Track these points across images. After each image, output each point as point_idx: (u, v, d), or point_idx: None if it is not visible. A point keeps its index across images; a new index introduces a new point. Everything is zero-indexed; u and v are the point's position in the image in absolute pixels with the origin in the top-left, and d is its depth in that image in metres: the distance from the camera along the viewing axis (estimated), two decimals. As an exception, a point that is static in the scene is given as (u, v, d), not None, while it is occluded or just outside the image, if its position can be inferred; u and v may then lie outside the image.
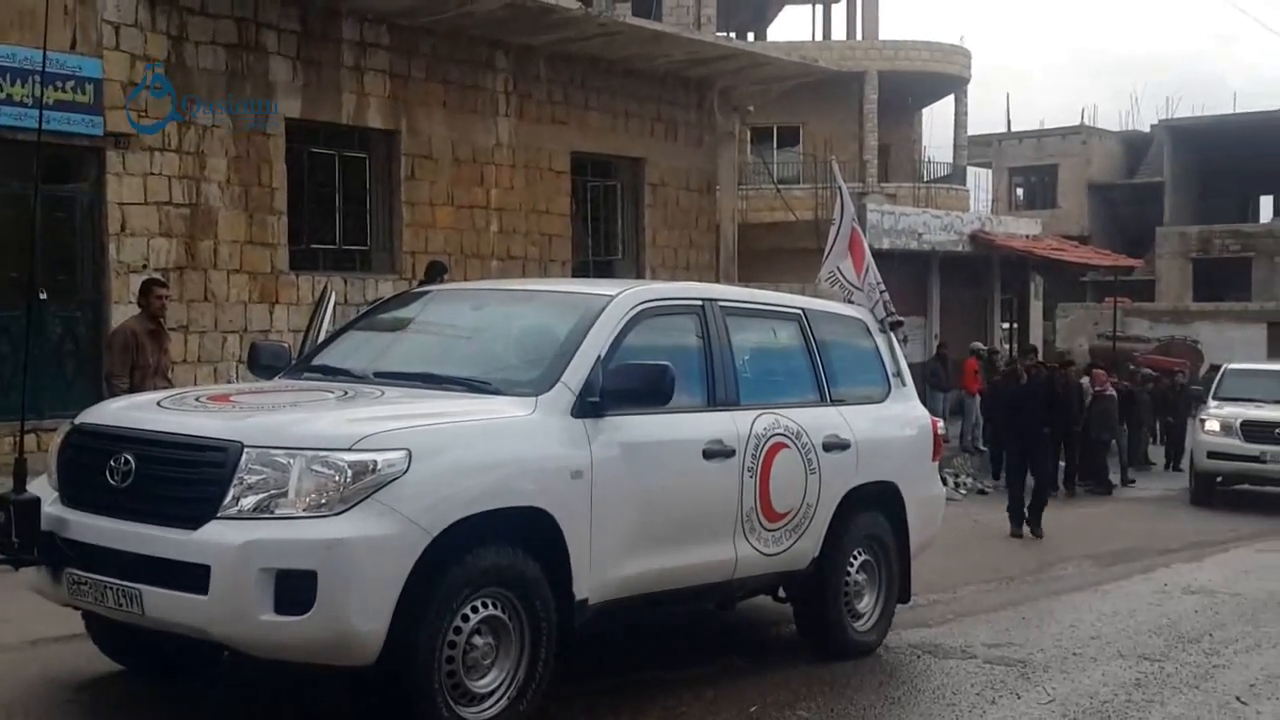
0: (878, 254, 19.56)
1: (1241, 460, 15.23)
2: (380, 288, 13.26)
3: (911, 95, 32.25)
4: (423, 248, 14.20)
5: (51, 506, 4.79)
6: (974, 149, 39.03)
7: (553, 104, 15.85)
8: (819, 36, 35.86)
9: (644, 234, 17.48)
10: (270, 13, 12.85)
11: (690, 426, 5.60)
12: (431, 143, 14.41)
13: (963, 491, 15.51)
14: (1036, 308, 25.44)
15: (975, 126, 37.11)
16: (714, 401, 5.81)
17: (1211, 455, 15.49)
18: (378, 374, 5.57)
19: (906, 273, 21.66)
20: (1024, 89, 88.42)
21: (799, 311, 6.64)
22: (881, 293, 7.31)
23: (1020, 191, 44.70)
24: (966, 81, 32.44)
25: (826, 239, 7.92)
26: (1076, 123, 43.84)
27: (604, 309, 5.51)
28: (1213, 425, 15.64)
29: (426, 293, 6.98)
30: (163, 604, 4.42)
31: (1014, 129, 45.24)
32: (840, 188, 7.97)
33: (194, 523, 4.41)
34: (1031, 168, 44.06)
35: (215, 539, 4.35)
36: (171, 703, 5.31)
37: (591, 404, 5.14)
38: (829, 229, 7.88)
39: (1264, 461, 15.12)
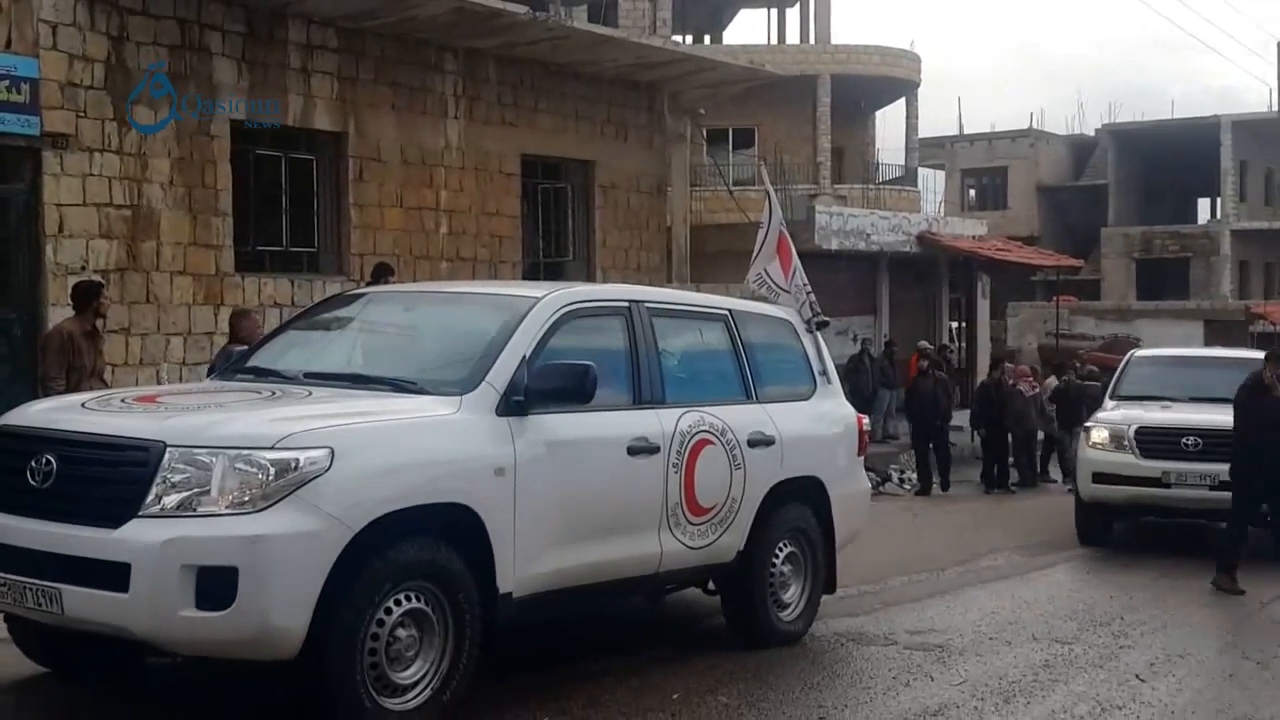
0: (826, 254, 20.01)
1: (1137, 484, 10.57)
2: (328, 289, 13.22)
3: (864, 98, 32.56)
4: (371, 250, 14.21)
5: (-30, 508, 4.82)
6: (927, 151, 39.52)
7: (502, 106, 15.90)
8: (773, 40, 36.15)
9: (594, 235, 17.57)
10: (214, 14, 12.81)
11: (615, 424, 5.73)
12: (380, 145, 14.42)
13: (906, 487, 15.72)
14: (984, 307, 25.77)
15: (929, 129, 37.60)
16: (640, 400, 5.94)
17: (1098, 478, 10.89)
18: (307, 375, 5.65)
19: (856, 273, 21.94)
20: (975, 93, 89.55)
21: (726, 313, 6.79)
22: (808, 294, 7.46)
23: (972, 193, 45.27)
24: (917, 85, 32.81)
25: (769, 234, 7.99)
26: (1025, 126, 44.48)
27: (530, 310, 5.62)
28: (1099, 435, 11.03)
29: (362, 295, 7.05)
30: (83, 603, 4.47)
31: (966, 132, 45.81)
32: (768, 192, 8.12)
33: (115, 521, 4.47)
34: (983, 169, 44.68)
35: (136, 537, 4.41)
36: (97, 704, 5.34)
37: (516, 403, 5.25)
38: (757, 231, 7.99)
39: (1168, 485, 10.51)
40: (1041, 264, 27.57)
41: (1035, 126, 44.68)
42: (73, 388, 8.14)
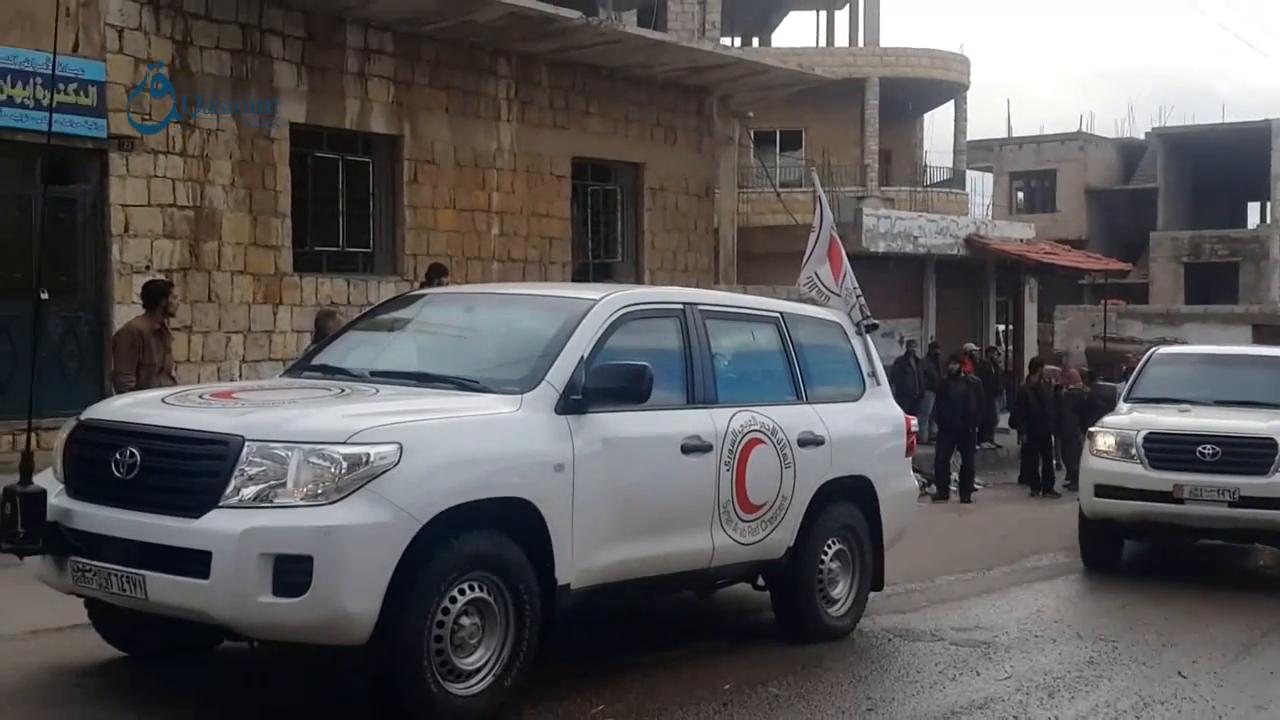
0: (874, 257, 20.07)
1: (1144, 499, 9.26)
2: (383, 289, 13.54)
3: (912, 101, 32.55)
4: (425, 250, 14.48)
5: (57, 498, 5.04)
6: (976, 154, 39.38)
7: (554, 110, 16.14)
8: (822, 42, 36.18)
9: (643, 237, 17.77)
10: (275, 19, 13.14)
11: (669, 423, 5.88)
12: (434, 147, 14.70)
13: (952, 488, 15.73)
14: (1031, 310, 25.70)
15: (978, 132, 37.50)
16: (693, 400, 6.09)
17: (1102, 491, 9.55)
18: (374, 373, 5.85)
19: (903, 275, 21.95)
20: (1025, 96, 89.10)
21: (777, 315, 6.93)
22: (858, 297, 7.59)
23: (1021, 196, 45.05)
24: (966, 88, 32.75)
25: (820, 239, 8.09)
26: (1075, 129, 44.23)
27: (588, 312, 5.79)
28: (1105, 442, 9.69)
29: (423, 295, 7.25)
30: (165, 589, 4.67)
31: (1014, 135, 45.60)
32: (819, 197, 8.24)
33: (196, 512, 4.67)
34: (1031, 172, 44.47)
35: (217, 526, 4.61)
36: (173, 687, 5.55)
37: (574, 401, 5.42)
38: (809, 235, 8.11)
39: (1181, 500, 9.13)
40: (1089, 268, 27.48)
41: (1084, 129, 44.44)
42: (142, 384, 8.40)
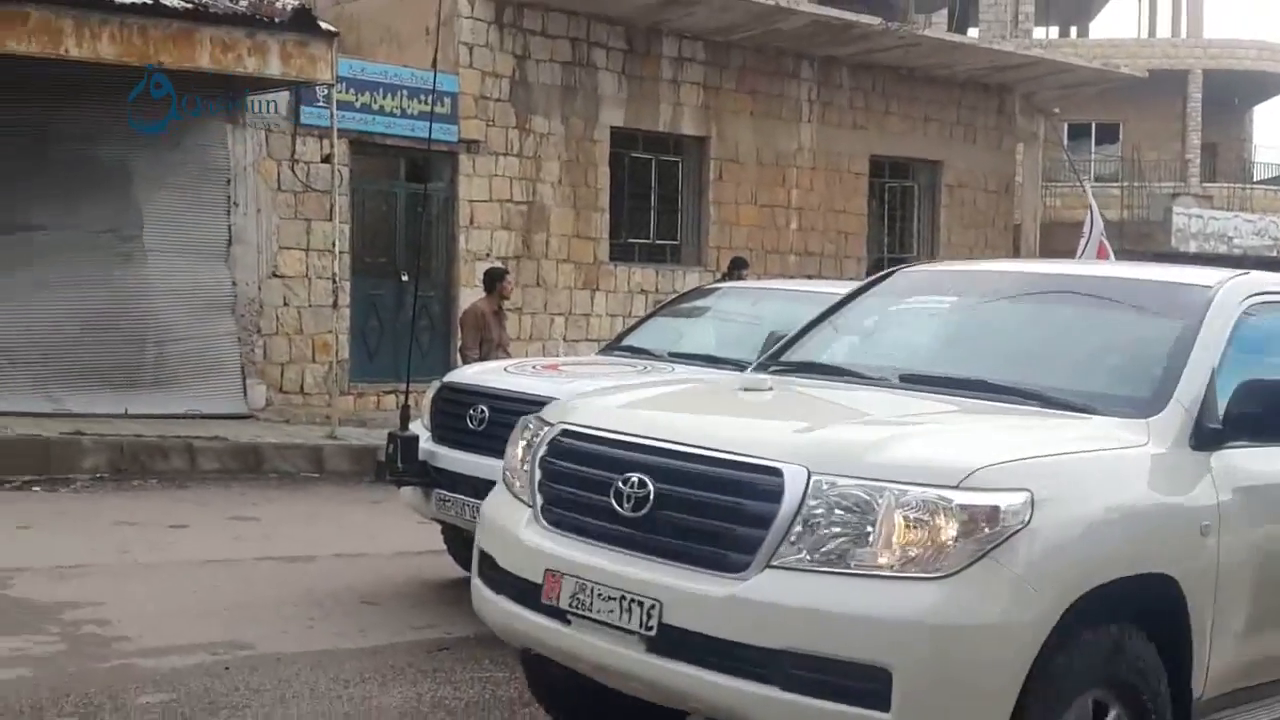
0: (1183, 257, 19.55)
1: (522, 603, 3.73)
2: (688, 279, 14.70)
3: (1239, 94, 31.00)
4: (727, 243, 15.55)
5: (425, 443, 6.28)
6: (1316, 146, 36.77)
7: (853, 110, 16.85)
8: (1143, 33, 34.89)
9: (939, 233, 18.17)
10: (600, 33, 14.53)
11: None
12: (738, 148, 15.75)
13: None
14: (1364, 317, 24.13)
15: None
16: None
17: (485, 570, 4.05)
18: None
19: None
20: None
21: None
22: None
23: (1368, 192, 41.62)
24: (1300, 79, 30.87)
25: (1090, 244, 8.60)
26: None
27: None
28: (512, 452, 4.25)
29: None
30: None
31: (1363, 125, 42.16)
32: (1091, 206, 8.72)
33: (531, 459, 5.85)
34: (1382, 167, 40.95)
35: None
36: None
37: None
38: (1079, 241, 8.61)
39: (565, 616, 3.52)
40: None
41: None
42: (483, 357, 9.84)
